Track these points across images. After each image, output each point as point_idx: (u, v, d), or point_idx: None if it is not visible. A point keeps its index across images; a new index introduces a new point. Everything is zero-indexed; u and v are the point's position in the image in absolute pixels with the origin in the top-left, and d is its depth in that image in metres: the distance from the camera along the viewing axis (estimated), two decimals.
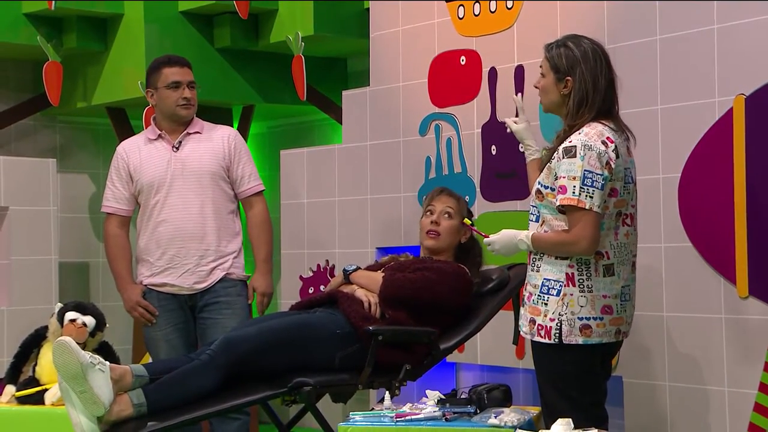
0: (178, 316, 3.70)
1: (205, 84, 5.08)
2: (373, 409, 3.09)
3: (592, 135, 2.78)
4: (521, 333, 2.95)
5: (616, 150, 2.80)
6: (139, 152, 3.75)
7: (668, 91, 3.52)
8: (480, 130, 4.12)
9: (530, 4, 3.95)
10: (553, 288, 2.81)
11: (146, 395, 3.01)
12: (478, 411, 3.00)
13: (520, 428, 2.76)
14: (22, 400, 3.43)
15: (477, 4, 4.13)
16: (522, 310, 2.94)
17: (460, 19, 4.20)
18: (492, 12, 4.08)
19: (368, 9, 4.63)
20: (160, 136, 3.75)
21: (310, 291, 4.68)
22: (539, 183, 2.86)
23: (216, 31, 5.07)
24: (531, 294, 2.88)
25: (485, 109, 4.09)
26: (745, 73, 3.32)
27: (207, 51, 5.04)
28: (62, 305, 3.65)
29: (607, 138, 2.79)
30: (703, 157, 3.42)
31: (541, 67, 2.92)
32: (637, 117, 3.61)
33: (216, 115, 5.51)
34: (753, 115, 3.31)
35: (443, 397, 3.11)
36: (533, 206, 2.91)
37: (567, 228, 2.78)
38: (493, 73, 4.08)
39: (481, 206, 4.10)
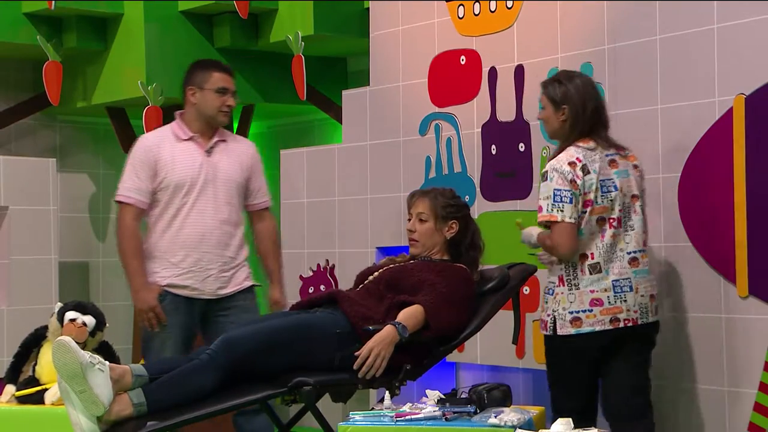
0: (189, 320, 3.69)
1: None
2: (373, 408, 3.09)
3: (561, 158, 3.23)
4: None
5: (584, 167, 3.21)
6: (170, 150, 3.70)
7: (668, 91, 3.52)
8: (480, 129, 4.12)
9: (530, 4, 3.95)
10: (551, 289, 3.27)
11: (146, 395, 3.01)
12: (478, 411, 3.00)
13: (520, 428, 2.76)
14: (22, 400, 3.43)
15: (477, 3, 4.13)
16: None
17: (460, 18, 4.20)
18: (492, 12, 4.08)
19: (368, 9, 4.63)
20: (192, 137, 3.72)
21: (310, 291, 4.68)
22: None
23: (216, 31, 5.07)
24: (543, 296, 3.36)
25: (485, 109, 4.09)
26: (745, 72, 3.32)
27: (207, 51, 5.03)
28: (62, 305, 3.65)
29: (576, 159, 3.22)
30: (703, 156, 3.42)
31: (540, 101, 3.33)
32: (637, 116, 3.61)
33: None
34: (753, 114, 3.31)
35: (443, 396, 3.10)
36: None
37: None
38: (493, 73, 4.08)
39: (481, 206, 4.10)
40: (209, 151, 3.72)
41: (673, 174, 3.51)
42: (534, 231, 3.33)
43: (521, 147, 3.97)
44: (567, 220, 3.17)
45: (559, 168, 3.20)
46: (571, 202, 3.18)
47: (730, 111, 3.35)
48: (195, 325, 3.72)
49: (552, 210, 3.18)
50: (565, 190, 3.18)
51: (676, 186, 3.49)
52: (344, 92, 4.71)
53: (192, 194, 3.66)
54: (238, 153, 3.79)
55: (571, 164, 3.20)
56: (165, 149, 3.69)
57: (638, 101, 3.60)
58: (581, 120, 3.25)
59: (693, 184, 3.45)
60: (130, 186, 3.68)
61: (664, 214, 3.52)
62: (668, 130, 3.52)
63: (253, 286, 3.80)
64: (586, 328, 3.18)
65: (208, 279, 3.68)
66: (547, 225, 3.21)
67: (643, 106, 3.58)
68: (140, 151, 3.71)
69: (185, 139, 3.71)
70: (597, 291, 3.19)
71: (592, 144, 3.25)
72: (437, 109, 4.28)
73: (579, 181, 3.19)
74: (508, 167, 4.01)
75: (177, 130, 3.74)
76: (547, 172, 3.22)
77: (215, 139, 3.75)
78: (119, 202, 3.70)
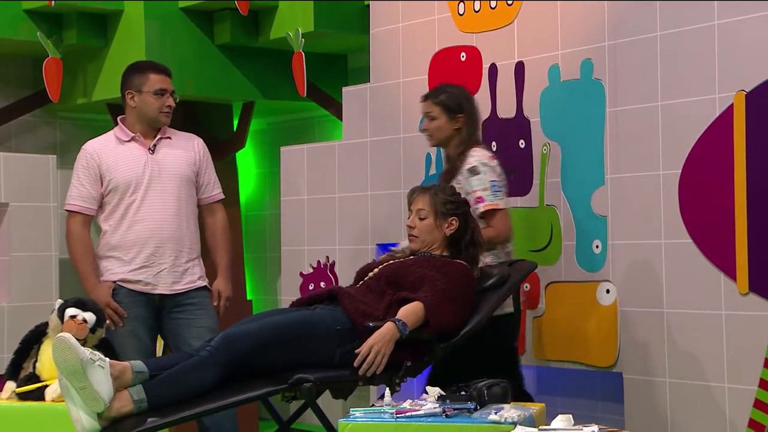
0: (147, 313, 3.73)
1: (205, 80, 5.08)
2: (373, 405, 3.09)
3: (483, 156, 3.57)
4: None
5: (499, 163, 3.60)
6: (113, 153, 3.76)
7: (669, 88, 3.52)
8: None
9: (530, 1, 3.95)
10: None
11: (146, 391, 3.00)
12: (478, 407, 3.00)
13: (520, 424, 2.76)
14: (22, 397, 3.42)
15: (477, 1, 4.13)
16: None
17: (461, 15, 4.19)
18: (492, 8, 4.08)
19: (368, 5, 4.63)
20: (133, 138, 3.77)
21: (311, 287, 4.69)
22: None
23: (216, 28, 5.06)
24: None
25: (485, 106, 4.09)
26: (745, 69, 3.32)
27: (207, 47, 5.03)
28: (62, 301, 3.64)
29: (491, 156, 3.62)
30: (704, 153, 3.43)
31: (428, 113, 3.61)
32: (637, 113, 3.61)
33: (216, 111, 5.52)
34: (753, 111, 3.31)
35: (443, 393, 3.10)
36: None
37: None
38: (493, 70, 4.08)
39: None
40: (152, 149, 3.75)
41: (673, 171, 3.51)
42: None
43: (521, 144, 3.97)
44: (506, 207, 3.56)
45: (487, 162, 3.55)
46: (503, 191, 3.57)
47: (730, 108, 3.35)
48: (153, 318, 3.75)
49: (494, 199, 3.51)
50: (498, 181, 3.55)
51: (676, 183, 3.49)
52: (344, 89, 4.71)
53: (139, 192, 3.71)
54: (184, 148, 3.82)
55: (492, 159, 3.57)
56: (107, 154, 3.75)
57: (638, 98, 3.60)
58: (479, 125, 3.63)
59: (693, 181, 3.46)
60: (76, 194, 3.76)
61: (664, 211, 3.52)
62: (668, 127, 3.52)
63: (206, 286, 3.83)
64: (507, 309, 3.53)
65: (162, 273, 3.71)
66: (482, 216, 3.50)
67: (643, 103, 3.58)
68: (83, 159, 3.78)
69: (127, 141, 3.77)
70: None
71: (484, 145, 3.66)
72: None
73: (503, 174, 3.60)
74: (509, 164, 4.01)
75: (119, 133, 3.80)
76: (476, 166, 3.52)
77: (158, 137, 3.79)
78: (67, 211, 3.78)
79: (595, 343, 3.74)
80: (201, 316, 3.75)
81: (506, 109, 4.03)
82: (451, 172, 3.61)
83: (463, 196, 3.48)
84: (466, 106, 3.60)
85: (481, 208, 3.51)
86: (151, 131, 3.78)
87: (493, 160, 3.58)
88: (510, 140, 4.00)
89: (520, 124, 3.97)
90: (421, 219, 3.45)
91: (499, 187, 3.54)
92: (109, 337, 3.70)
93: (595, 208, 3.75)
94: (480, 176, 3.51)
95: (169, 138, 3.81)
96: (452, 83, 3.77)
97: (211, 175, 3.89)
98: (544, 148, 3.88)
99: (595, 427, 2.56)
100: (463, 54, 4.18)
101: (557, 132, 3.87)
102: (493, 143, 4.07)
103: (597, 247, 3.74)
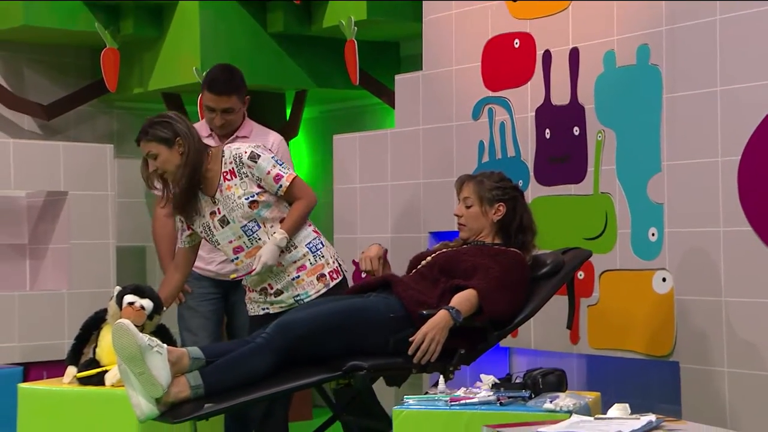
0: (214, 293, 3.91)
1: (259, 69, 5.12)
2: (427, 393, 3.09)
3: (241, 144, 3.47)
4: (299, 300, 3.43)
5: None
6: None
7: (728, 73, 3.45)
8: (534, 113, 4.09)
9: None
10: (318, 243, 3.47)
11: (203, 377, 3.05)
12: (533, 396, 2.99)
13: (576, 413, 2.74)
14: (83, 381, 3.49)
15: None
16: (298, 283, 3.42)
17: (514, 1, 4.16)
18: None
19: None
20: (210, 135, 3.90)
21: (363, 275, 4.69)
22: (248, 197, 3.38)
23: (269, 17, 5.09)
24: (304, 264, 3.43)
25: (539, 93, 4.06)
26: None
27: (260, 36, 5.07)
28: (120, 288, 3.70)
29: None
30: (764, 139, 3.36)
31: (149, 153, 3.38)
32: (695, 99, 3.55)
33: (269, 100, 5.56)
34: None
35: (498, 381, 3.10)
36: (251, 221, 3.40)
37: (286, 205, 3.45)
38: (547, 56, 4.04)
39: (534, 190, 4.08)
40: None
41: (732, 157, 3.44)
42: (276, 239, 3.35)
43: (576, 131, 3.93)
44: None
45: (258, 146, 3.46)
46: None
47: None
48: (220, 299, 3.92)
49: (288, 170, 3.42)
50: (276, 155, 3.49)
51: (735, 170, 3.43)
52: (397, 77, 4.71)
53: None
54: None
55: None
56: None
57: (697, 84, 3.53)
58: (199, 143, 3.38)
59: (753, 168, 3.39)
60: None
61: (723, 198, 3.46)
62: (727, 113, 3.46)
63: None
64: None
65: (223, 263, 3.87)
66: (287, 190, 3.39)
67: (702, 89, 3.52)
68: None
69: (206, 137, 3.87)
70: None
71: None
72: (490, 93, 4.25)
73: None
74: (562, 151, 3.97)
75: (201, 128, 3.88)
76: (253, 152, 3.39)
77: (235, 135, 3.88)
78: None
79: (651, 331, 3.70)
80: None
81: (560, 96, 3.99)
82: (212, 181, 3.39)
83: (257, 184, 3.38)
84: (179, 127, 3.38)
85: (286, 181, 3.39)
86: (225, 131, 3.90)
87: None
88: (564, 127, 3.96)
89: (574, 111, 3.93)
90: (468, 207, 3.44)
91: (281, 160, 3.46)
92: (180, 315, 3.91)
93: (651, 195, 3.70)
94: (262, 157, 3.38)
95: (246, 136, 3.90)
96: (167, 113, 3.52)
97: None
98: (599, 135, 3.83)
99: (653, 417, 2.53)
100: (516, 41, 4.15)
101: (612, 119, 3.82)
102: (547, 130, 4.04)
103: (653, 234, 3.69)
